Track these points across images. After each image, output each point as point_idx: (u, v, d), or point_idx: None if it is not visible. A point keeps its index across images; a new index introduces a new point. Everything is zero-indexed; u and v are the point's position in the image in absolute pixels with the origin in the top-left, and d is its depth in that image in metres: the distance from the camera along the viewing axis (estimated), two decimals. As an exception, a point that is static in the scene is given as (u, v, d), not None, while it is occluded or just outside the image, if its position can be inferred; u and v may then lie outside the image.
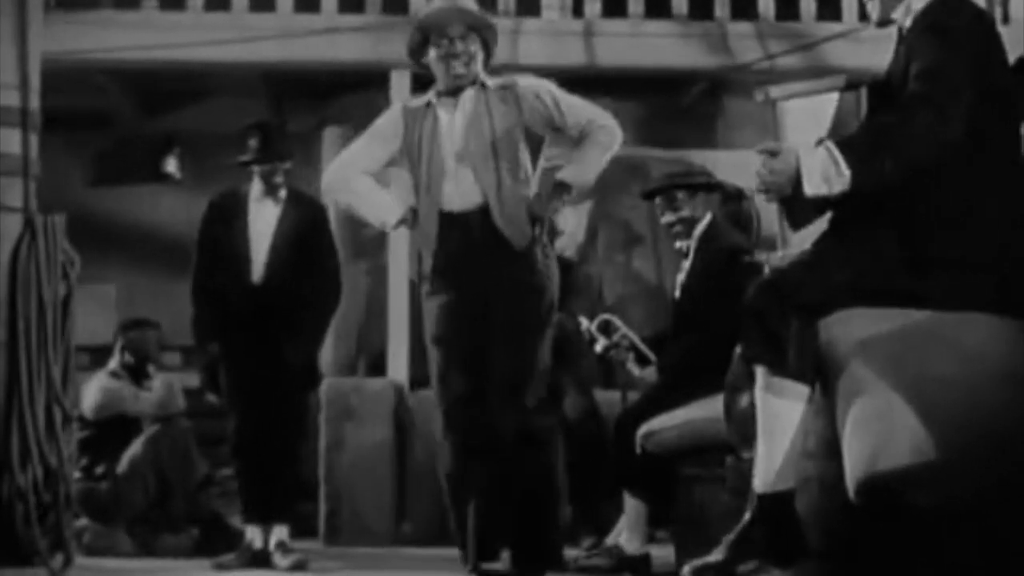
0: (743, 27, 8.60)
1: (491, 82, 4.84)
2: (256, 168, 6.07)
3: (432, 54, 4.82)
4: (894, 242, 3.27)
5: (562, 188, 4.78)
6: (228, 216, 6.10)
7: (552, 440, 4.84)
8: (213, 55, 8.37)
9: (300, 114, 9.65)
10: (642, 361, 5.64)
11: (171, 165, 9.96)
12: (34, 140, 5.56)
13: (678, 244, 5.66)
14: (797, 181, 3.26)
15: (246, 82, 9.22)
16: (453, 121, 4.79)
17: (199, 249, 6.17)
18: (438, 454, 4.91)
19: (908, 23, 3.45)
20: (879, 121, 3.35)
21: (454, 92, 4.81)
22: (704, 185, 5.65)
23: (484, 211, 4.73)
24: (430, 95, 4.88)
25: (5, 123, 5.49)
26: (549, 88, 4.88)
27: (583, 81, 9.52)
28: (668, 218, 5.64)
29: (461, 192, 4.75)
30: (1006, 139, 3.35)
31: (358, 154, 4.97)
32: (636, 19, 8.55)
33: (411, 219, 4.83)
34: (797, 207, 3.36)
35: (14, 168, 5.48)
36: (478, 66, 4.83)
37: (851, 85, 3.47)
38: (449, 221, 4.76)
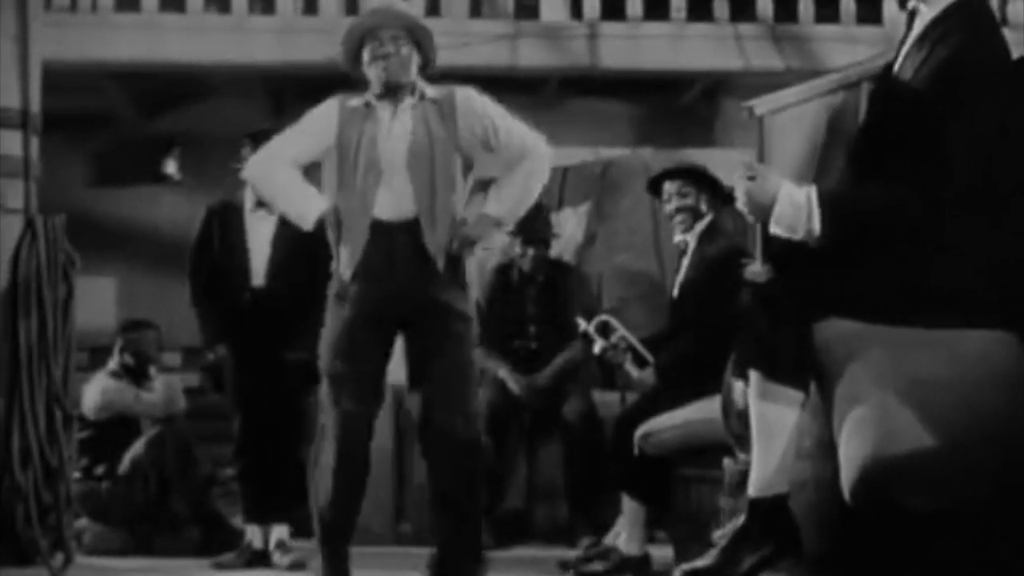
0: (741, 29, 8.63)
1: (429, 92, 4.72)
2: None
3: (365, 57, 4.68)
4: (893, 268, 3.26)
5: (488, 220, 4.71)
6: (225, 223, 6.12)
7: (479, 455, 4.70)
8: (213, 56, 8.41)
9: (299, 115, 9.65)
10: (640, 363, 5.65)
11: (171, 166, 9.98)
12: (35, 141, 5.58)
13: (679, 238, 5.66)
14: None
15: (245, 83, 9.25)
16: (392, 128, 4.65)
17: (195, 255, 6.18)
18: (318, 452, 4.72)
19: (924, 13, 3.33)
20: (866, 191, 3.29)
21: (391, 95, 4.68)
22: (710, 182, 5.66)
23: (413, 225, 4.59)
24: (368, 96, 4.72)
25: (6, 124, 5.51)
26: (486, 106, 4.73)
27: (582, 82, 9.58)
28: (674, 204, 5.61)
29: (394, 202, 4.60)
30: (1017, 174, 3.31)
31: (286, 145, 4.76)
32: (635, 21, 8.58)
33: (332, 219, 4.62)
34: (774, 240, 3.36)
35: (15, 169, 5.51)
36: (412, 69, 4.69)
37: (850, 84, 3.44)
38: (379, 230, 4.59)
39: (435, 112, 4.67)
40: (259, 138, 6.16)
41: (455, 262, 4.65)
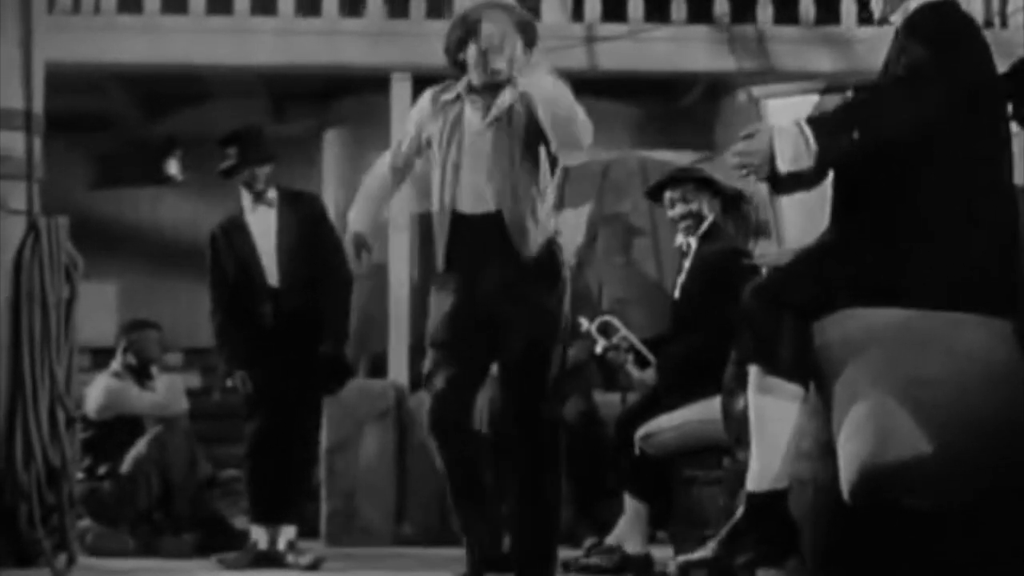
0: (742, 30, 8.64)
1: (522, 81, 4.64)
2: (238, 177, 6.13)
3: (472, 49, 4.64)
4: (883, 243, 3.31)
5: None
6: (230, 238, 6.16)
7: (557, 448, 4.64)
8: (214, 58, 8.42)
9: (300, 117, 9.69)
10: (641, 363, 5.66)
11: (173, 167, 10.00)
12: (38, 143, 5.59)
13: (680, 240, 5.69)
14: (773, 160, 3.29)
15: (247, 85, 9.26)
16: (479, 124, 4.64)
17: (213, 282, 6.22)
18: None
19: (899, 23, 3.49)
20: (852, 99, 3.40)
21: (483, 90, 4.66)
22: (711, 184, 5.69)
23: (496, 217, 4.59)
24: (460, 88, 4.71)
25: (9, 126, 5.52)
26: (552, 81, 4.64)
27: (583, 84, 9.59)
28: (679, 210, 5.64)
29: (476, 195, 4.61)
30: (991, 143, 3.38)
31: (393, 147, 4.89)
32: (636, 23, 8.60)
33: (352, 243, 4.78)
34: (786, 186, 3.39)
35: (18, 171, 5.51)
36: (516, 66, 4.64)
37: (837, 87, 3.51)
38: (462, 223, 4.63)
39: (520, 105, 4.63)
40: (241, 136, 6.21)
41: (545, 254, 4.62)
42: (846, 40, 8.48)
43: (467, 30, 4.69)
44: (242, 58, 8.45)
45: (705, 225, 5.62)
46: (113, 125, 9.78)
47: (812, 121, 3.29)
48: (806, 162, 3.27)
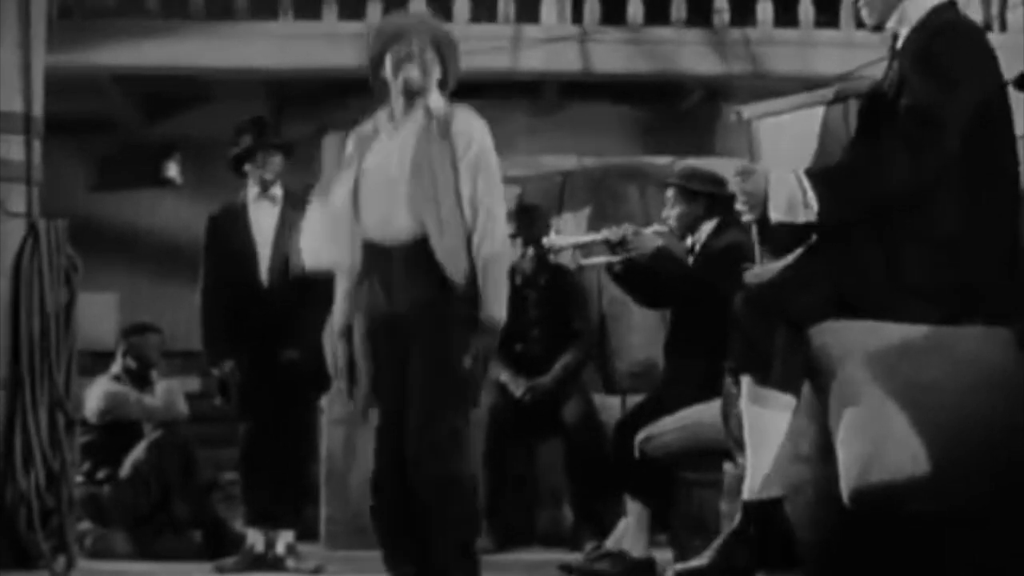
0: (741, 33, 8.65)
1: (434, 106, 4.56)
2: (248, 166, 6.12)
3: (388, 60, 4.56)
4: (877, 263, 3.29)
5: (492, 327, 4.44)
6: (229, 225, 6.14)
7: (458, 480, 4.41)
8: (215, 61, 8.43)
9: (300, 120, 9.67)
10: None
11: (172, 171, 10.00)
12: (37, 146, 5.60)
13: (689, 240, 5.70)
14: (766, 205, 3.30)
15: (247, 88, 9.27)
16: (394, 147, 4.53)
17: (205, 263, 6.18)
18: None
19: (904, 33, 3.45)
20: (856, 157, 3.37)
21: (401, 113, 4.56)
22: (714, 186, 5.69)
23: (421, 244, 4.43)
24: (379, 117, 4.64)
25: (8, 129, 5.53)
26: (476, 151, 4.51)
27: (581, 87, 9.60)
28: (678, 210, 5.66)
29: (394, 223, 4.46)
30: (995, 163, 3.36)
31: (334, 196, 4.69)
32: (635, 25, 8.61)
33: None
34: (774, 233, 3.40)
35: (17, 174, 5.52)
36: (431, 81, 4.57)
37: (837, 99, 3.49)
38: (377, 253, 4.51)
39: (437, 131, 4.52)
40: (257, 124, 6.21)
41: (471, 289, 4.44)
42: (846, 44, 8.49)
43: (384, 43, 4.62)
44: (242, 61, 8.46)
45: (712, 223, 5.62)
46: (113, 128, 9.78)
47: (812, 177, 3.27)
48: (801, 217, 3.27)
